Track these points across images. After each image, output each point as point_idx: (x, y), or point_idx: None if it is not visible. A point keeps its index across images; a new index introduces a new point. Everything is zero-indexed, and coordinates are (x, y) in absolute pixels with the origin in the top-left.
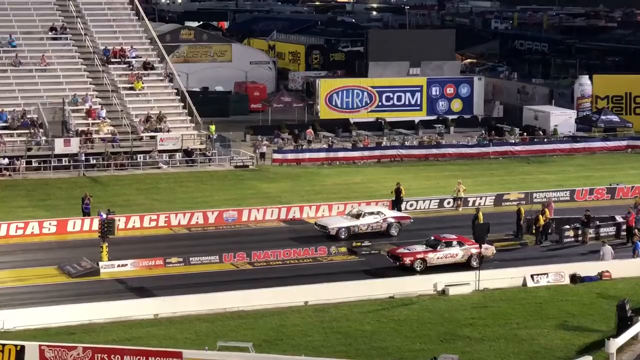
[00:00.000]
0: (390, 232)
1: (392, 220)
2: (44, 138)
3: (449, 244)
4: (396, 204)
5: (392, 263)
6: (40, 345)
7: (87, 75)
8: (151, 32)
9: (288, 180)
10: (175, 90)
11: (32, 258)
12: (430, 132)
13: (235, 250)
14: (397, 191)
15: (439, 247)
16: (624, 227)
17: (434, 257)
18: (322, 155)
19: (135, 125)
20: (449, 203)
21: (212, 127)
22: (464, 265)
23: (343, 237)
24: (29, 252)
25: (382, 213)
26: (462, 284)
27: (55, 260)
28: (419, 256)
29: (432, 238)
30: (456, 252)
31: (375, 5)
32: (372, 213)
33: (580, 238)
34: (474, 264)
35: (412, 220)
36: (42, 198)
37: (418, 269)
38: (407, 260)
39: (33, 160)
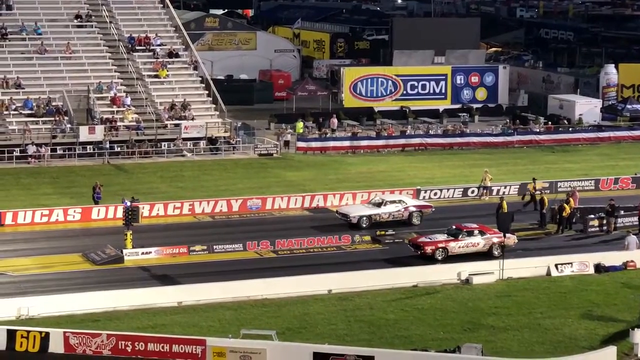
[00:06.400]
0: (412, 221)
1: (414, 208)
2: (68, 126)
3: (470, 233)
4: (534, 206)
5: (414, 252)
6: (64, 332)
7: (112, 63)
8: (176, 20)
9: (312, 169)
10: (200, 78)
11: (56, 245)
12: (455, 120)
13: (259, 239)
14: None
15: (460, 236)
16: None
17: (455, 246)
18: (347, 143)
19: (159, 113)
20: (472, 192)
21: (300, 124)
22: (485, 255)
23: (364, 225)
24: (54, 239)
25: (404, 202)
26: (486, 273)
27: (79, 247)
28: (440, 245)
29: (454, 227)
30: (478, 241)
31: None
32: (393, 202)
33: (604, 227)
34: (496, 253)
35: (433, 209)
36: (66, 185)
37: (439, 258)
38: (429, 249)
39: (58, 147)
